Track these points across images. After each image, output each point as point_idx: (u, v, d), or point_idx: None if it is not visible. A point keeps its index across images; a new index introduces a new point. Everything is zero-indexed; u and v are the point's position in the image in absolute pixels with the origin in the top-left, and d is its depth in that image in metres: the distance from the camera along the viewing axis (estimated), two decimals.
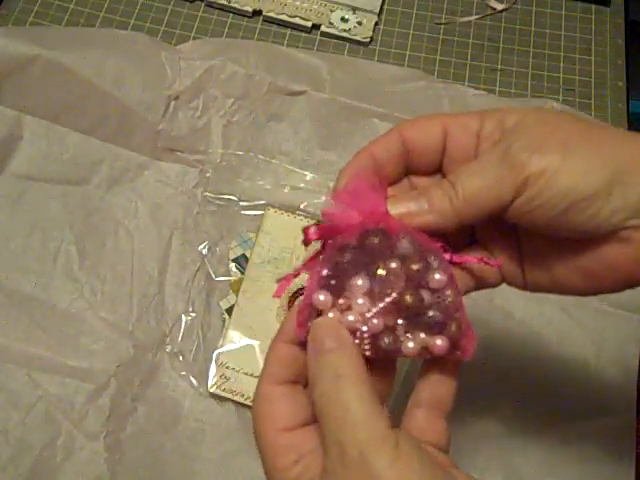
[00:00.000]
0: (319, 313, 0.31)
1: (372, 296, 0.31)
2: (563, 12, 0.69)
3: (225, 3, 0.68)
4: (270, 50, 0.63)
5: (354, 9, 0.68)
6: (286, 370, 0.32)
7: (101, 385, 0.51)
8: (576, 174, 0.30)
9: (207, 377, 0.52)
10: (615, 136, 0.31)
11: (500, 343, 0.53)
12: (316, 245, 0.32)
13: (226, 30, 0.67)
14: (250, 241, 0.57)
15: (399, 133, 0.34)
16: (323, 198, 0.58)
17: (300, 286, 0.52)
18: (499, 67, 0.66)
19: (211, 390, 0.52)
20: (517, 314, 0.54)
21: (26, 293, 0.54)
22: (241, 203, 0.59)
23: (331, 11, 0.67)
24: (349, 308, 0.31)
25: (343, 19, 0.67)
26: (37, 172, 0.57)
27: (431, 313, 0.31)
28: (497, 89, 0.65)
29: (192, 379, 0.52)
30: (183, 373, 0.53)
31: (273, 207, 0.58)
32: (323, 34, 0.67)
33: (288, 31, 0.67)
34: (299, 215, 0.58)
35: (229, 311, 0.55)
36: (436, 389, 0.33)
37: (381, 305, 0.30)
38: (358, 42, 0.67)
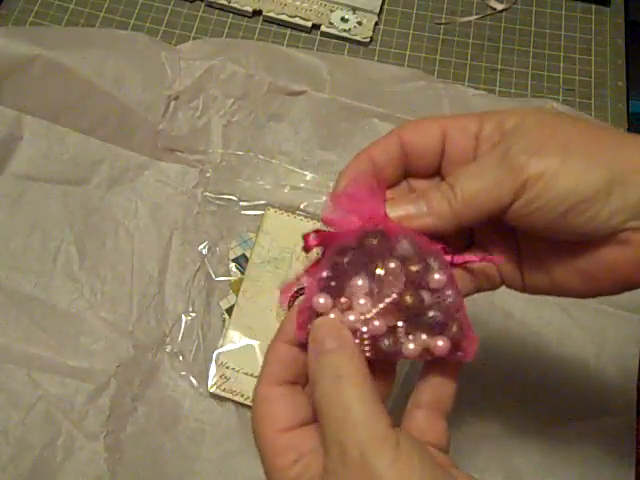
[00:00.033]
0: (319, 314, 0.31)
1: (372, 297, 0.31)
2: (563, 12, 0.69)
3: (225, 3, 0.68)
4: (270, 50, 0.63)
5: (354, 9, 0.68)
6: (285, 371, 0.32)
7: (101, 385, 0.51)
8: (575, 176, 0.30)
9: (207, 377, 0.52)
10: (614, 137, 0.31)
11: (500, 343, 0.53)
12: (317, 251, 0.33)
13: (226, 30, 0.67)
14: (250, 241, 0.57)
15: (398, 136, 0.34)
16: (323, 198, 0.58)
17: (300, 286, 0.52)
18: (499, 67, 0.66)
19: (211, 390, 0.52)
20: (517, 314, 0.54)
21: (26, 293, 0.54)
22: (241, 203, 0.59)
23: (331, 11, 0.67)
24: (350, 308, 0.31)
25: (343, 19, 0.67)
26: (37, 172, 0.57)
27: (431, 313, 0.31)
28: (497, 89, 0.65)
29: (192, 379, 0.52)
30: (183, 373, 0.53)
31: (273, 207, 0.58)
32: (323, 34, 0.67)
33: (288, 31, 0.67)
34: (299, 215, 0.58)
35: (229, 311, 0.55)
36: (436, 390, 0.33)
37: (381, 305, 0.30)
38: (358, 42, 0.67)
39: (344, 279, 0.31)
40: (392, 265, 0.31)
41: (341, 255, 0.31)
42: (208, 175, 0.59)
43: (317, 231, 0.32)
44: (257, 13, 0.68)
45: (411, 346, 0.31)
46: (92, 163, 0.58)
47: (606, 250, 0.31)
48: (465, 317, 0.31)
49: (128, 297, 0.54)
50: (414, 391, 0.33)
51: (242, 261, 0.57)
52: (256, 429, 0.31)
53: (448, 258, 0.32)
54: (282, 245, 0.56)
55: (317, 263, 0.32)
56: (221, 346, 0.53)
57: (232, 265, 0.57)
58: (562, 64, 0.66)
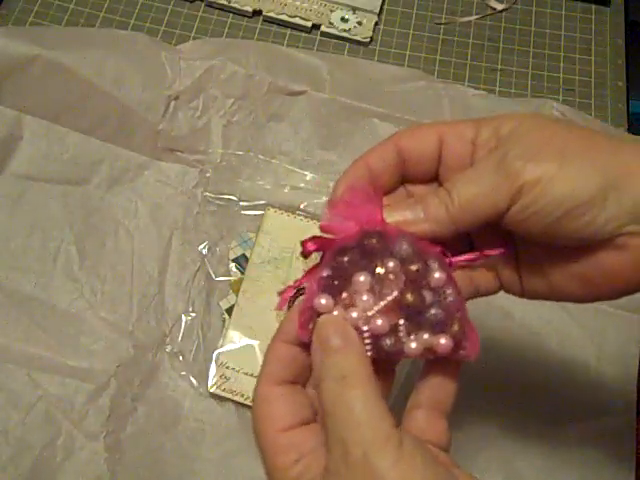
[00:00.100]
0: (321, 314, 0.31)
1: (374, 294, 0.31)
2: (563, 12, 0.69)
3: (225, 3, 0.68)
4: (270, 50, 0.63)
5: (354, 9, 0.68)
6: (285, 370, 0.32)
7: (101, 385, 0.51)
8: (571, 182, 0.30)
9: (207, 377, 0.52)
10: (610, 143, 0.31)
11: (500, 344, 0.53)
12: (316, 256, 0.33)
13: (226, 30, 0.67)
14: (250, 241, 0.57)
15: (394, 143, 0.34)
16: (323, 198, 0.58)
17: (300, 286, 0.52)
18: (499, 67, 0.66)
19: (211, 390, 0.52)
20: (517, 314, 0.54)
21: (26, 293, 0.54)
22: (241, 203, 0.59)
23: (331, 11, 0.67)
24: (352, 305, 0.31)
25: (343, 19, 0.67)
26: (37, 172, 0.57)
27: (433, 311, 0.31)
28: (497, 89, 0.65)
29: (192, 379, 0.52)
30: (183, 373, 0.53)
31: (273, 207, 0.58)
32: (323, 34, 0.67)
33: (288, 31, 0.67)
34: (299, 215, 0.58)
35: (229, 311, 0.55)
36: (437, 390, 0.33)
37: (383, 303, 0.30)
38: (358, 42, 0.67)
39: (345, 278, 0.31)
40: (392, 264, 0.31)
41: (341, 255, 0.31)
42: (208, 175, 0.59)
43: (315, 237, 0.32)
44: (257, 13, 0.68)
45: (413, 345, 0.31)
46: (92, 163, 0.58)
47: (603, 255, 0.31)
48: (466, 316, 0.32)
49: (128, 297, 0.54)
50: (414, 391, 0.33)
51: (242, 261, 0.57)
52: (256, 429, 0.31)
53: (447, 259, 0.32)
54: (282, 245, 0.56)
55: (316, 266, 0.32)
56: (221, 346, 0.53)
57: (232, 265, 0.57)
58: (562, 64, 0.66)
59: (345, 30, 0.67)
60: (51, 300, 0.53)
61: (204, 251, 0.57)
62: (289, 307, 0.51)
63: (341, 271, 0.31)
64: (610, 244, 0.31)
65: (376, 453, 0.27)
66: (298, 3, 0.68)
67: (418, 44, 0.67)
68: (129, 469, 0.49)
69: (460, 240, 0.35)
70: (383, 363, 0.32)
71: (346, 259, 0.31)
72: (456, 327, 0.31)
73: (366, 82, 0.61)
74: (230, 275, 0.56)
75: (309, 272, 0.32)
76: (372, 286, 0.31)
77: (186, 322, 0.54)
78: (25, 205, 0.57)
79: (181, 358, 0.53)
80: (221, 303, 0.55)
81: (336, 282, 0.31)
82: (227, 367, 0.52)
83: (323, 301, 0.31)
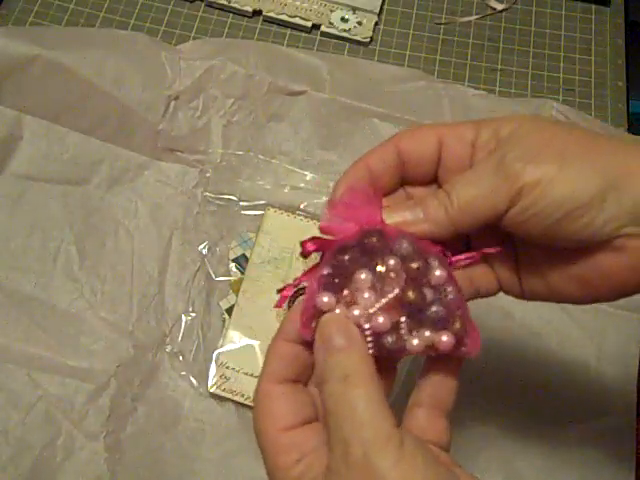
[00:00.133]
0: (323, 313, 0.31)
1: (375, 292, 0.31)
2: (563, 12, 0.69)
3: (225, 3, 0.68)
4: (270, 50, 0.63)
5: (354, 9, 0.68)
6: (286, 369, 0.32)
7: (101, 385, 0.51)
8: (571, 183, 0.30)
9: (207, 377, 0.52)
10: (609, 144, 0.31)
11: (500, 344, 0.53)
12: (315, 256, 0.33)
13: (226, 30, 0.67)
14: (250, 241, 0.57)
15: (394, 144, 0.34)
16: (323, 198, 0.58)
17: (301, 286, 0.52)
18: (499, 67, 0.66)
19: (211, 390, 0.52)
20: (517, 314, 0.54)
21: (26, 293, 0.54)
22: (241, 203, 0.59)
23: (331, 11, 0.67)
24: (353, 302, 0.31)
25: (343, 19, 0.67)
26: (37, 172, 0.57)
27: (434, 308, 0.31)
28: (497, 89, 0.65)
29: (192, 379, 0.52)
30: (183, 373, 0.53)
31: (273, 207, 0.58)
32: (323, 34, 0.67)
33: (288, 31, 0.67)
34: (299, 215, 0.58)
35: (229, 311, 0.55)
36: (437, 388, 0.33)
37: (384, 300, 0.31)
38: (358, 42, 0.67)
39: (346, 276, 0.31)
40: (393, 262, 0.31)
41: (342, 253, 0.31)
42: (208, 175, 0.59)
43: (315, 237, 0.32)
44: (257, 13, 0.68)
45: (415, 342, 0.31)
46: (92, 163, 0.58)
47: (602, 256, 0.31)
48: (467, 313, 0.32)
49: (128, 297, 0.54)
50: (415, 390, 0.33)
51: (242, 261, 0.57)
52: (258, 428, 0.31)
53: (447, 258, 0.33)
54: (282, 245, 0.56)
55: (316, 265, 0.32)
56: (221, 346, 0.53)
57: (232, 265, 0.57)
58: (562, 64, 0.66)
59: (345, 30, 0.67)
60: (51, 300, 0.53)
61: (204, 251, 0.57)
62: (289, 307, 0.51)
63: (342, 269, 0.31)
64: (608, 246, 0.31)
65: (377, 453, 0.27)
66: (298, 3, 0.68)
67: (418, 44, 0.67)
68: (129, 469, 0.49)
69: (459, 241, 0.35)
70: (385, 361, 0.32)
71: (347, 257, 0.31)
72: (457, 324, 0.31)
73: (366, 82, 0.61)
74: (230, 275, 0.56)
75: (309, 271, 0.33)
76: (373, 284, 0.31)
77: (186, 322, 0.54)
78: (25, 205, 0.57)
79: (181, 358, 0.53)
80: (221, 303, 0.55)
81: (337, 280, 0.31)
82: (227, 367, 0.52)
83: (325, 299, 0.31)
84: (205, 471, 0.50)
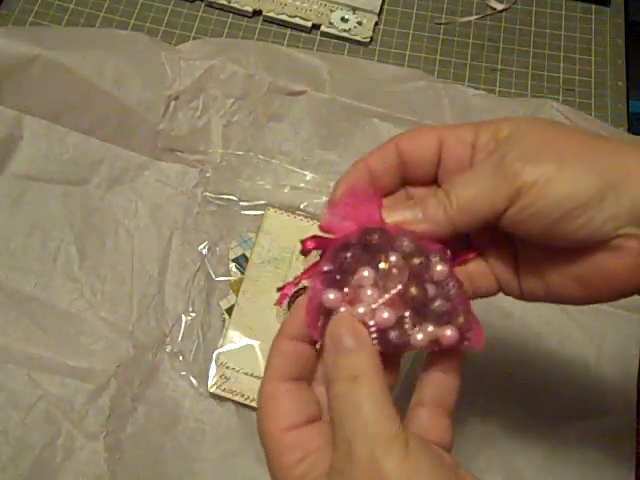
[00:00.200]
0: (328, 310, 0.31)
1: (378, 289, 0.31)
2: (563, 12, 0.69)
3: (225, 3, 0.68)
4: (270, 50, 0.63)
5: (354, 9, 0.68)
6: (290, 367, 0.32)
7: (101, 385, 0.51)
8: (569, 183, 0.30)
9: (207, 377, 0.52)
10: (608, 145, 0.32)
11: (500, 344, 0.53)
12: (316, 253, 0.33)
13: (226, 30, 0.67)
14: (250, 241, 0.57)
15: (395, 145, 0.35)
16: (323, 198, 0.58)
17: (301, 286, 0.52)
18: (499, 67, 0.66)
19: (211, 390, 0.52)
20: (517, 314, 0.54)
21: (26, 293, 0.54)
22: (241, 203, 0.59)
23: (331, 11, 0.67)
24: (354, 300, 0.31)
25: (343, 19, 0.67)
26: (37, 172, 0.57)
27: (437, 303, 0.31)
28: (497, 89, 0.65)
29: (192, 379, 0.52)
30: (183, 373, 0.53)
31: (273, 207, 0.58)
32: (323, 34, 0.67)
33: (288, 31, 0.67)
34: (299, 215, 0.58)
35: (229, 311, 0.55)
36: (439, 387, 0.33)
37: (387, 296, 0.31)
38: (358, 42, 0.67)
39: (348, 273, 0.31)
40: (395, 258, 0.31)
41: (343, 250, 0.32)
42: (208, 175, 0.59)
43: (315, 236, 0.33)
44: (257, 13, 0.68)
45: (419, 336, 0.31)
46: (92, 163, 0.58)
47: (601, 257, 0.31)
48: (469, 308, 0.32)
49: (128, 297, 0.54)
50: (416, 389, 0.33)
51: (242, 261, 0.57)
52: (261, 427, 0.31)
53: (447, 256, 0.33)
54: (282, 245, 0.56)
55: (316, 264, 0.32)
56: (221, 346, 0.53)
57: (232, 265, 0.57)
58: (562, 64, 0.66)
59: (345, 30, 0.67)
60: (51, 300, 0.53)
61: (204, 251, 0.57)
62: (288, 307, 0.51)
63: (343, 266, 0.31)
64: (607, 246, 0.31)
65: (382, 453, 0.27)
66: (298, 3, 0.68)
67: (418, 44, 0.67)
68: (129, 469, 0.49)
69: (458, 240, 0.35)
70: (390, 356, 0.32)
71: (349, 254, 0.31)
72: (461, 319, 0.31)
73: (366, 82, 0.61)
74: (230, 275, 0.56)
75: (309, 269, 0.33)
76: (376, 281, 0.31)
77: (186, 322, 0.54)
78: (25, 205, 0.57)
79: (181, 358, 0.53)
80: (221, 303, 0.55)
81: (338, 277, 0.31)
82: (227, 367, 0.52)
83: (331, 296, 0.31)
84: (205, 471, 0.50)
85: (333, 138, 0.60)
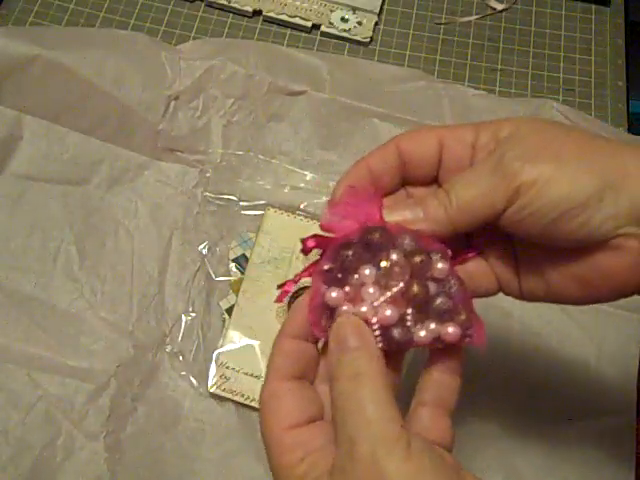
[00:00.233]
0: (331, 308, 0.31)
1: (380, 287, 0.31)
2: (563, 12, 0.69)
3: (225, 3, 0.68)
4: (270, 50, 0.63)
5: (354, 9, 0.68)
6: (292, 366, 0.32)
7: (101, 385, 0.51)
8: (568, 183, 0.30)
9: (207, 377, 0.52)
10: (607, 145, 0.32)
11: (500, 344, 0.53)
12: (316, 252, 0.33)
13: (226, 30, 0.67)
14: (250, 241, 0.57)
15: (396, 145, 0.35)
16: (323, 198, 0.58)
17: (301, 286, 0.52)
18: (499, 67, 0.66)
19: (211, 390, 0.52)
20: (516, 314, 0.54)
21: (26, 293, 0.54)
22: (241, 203, 0.59)
23: (331, 11, 0.67)
24: (357, 297, 0.31)
25: (343, 19, 0.67)
26: (37, 172, 0.57)
27: (439, 300, 0.31)
28: (497, 89, 0.65)
29: (192, 379, 0.52)
30: (183, 373, 0.53)
31: (273, 207, 0.58)
32: (323, 34, 0.67)
33: (288, 31, 0.67)
34: (299, 215, 0.58)
35: (229, 311, 0.55)
36: (440, 387, 0.33)
37: (389, 294, 0.31)
38: (358, 42, 0.67)
39: (349, 271, 0.32)
40: (396, 257, 0.31)
41: (345, 249, 0.32)
42: (208, 175, 0.59)
43: (315, 235, 0.33)
44: (257, 13, 0.68)
45: (422, 333, 0.31)
46: (92, 163, 0.58)
47: (600, 256, 0.32)
48: (471, 305, 0.32)
49: (128, 297, 0.54)
50: (417, 389, 0.33)
51: (242, 261, 0.57)
52: (263, 426, 0.31)
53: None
54: (282, 245, 0.56)
55: (317, 263, 0.33)
56: (221, 346, 0.53)
57: (232, 265, 0.57)
58: (562, 64, 0.66)
59: (345, 30, 0.67)
60: (51, 300, 0.54)
61: (204, 251, 0.57)
62: (288, 306, 0.51)
63: (345, 265, 0.32)
64: (606, 246, 0.31)
65: (384, 453, 0.27)
66: (298, 3, 0.68)
67: (418, 44, 0.67)
68: (129, 469, 0.49)
69: (458, 239, 0.35)
70: (393, 354, 0.32)
71: (350, 253, 0.32)
72: (463, 315, 0.31)
73: (366, 82, 0.61)
74: (230, 275, 0.56)
75: (310, 267, 0.33)
76: (377, 279, 0.31)
77: (186, 322, 0.54)
78: (25, 205, 0.57)
79: (181, 358, 0.53)
80: (221, 303, 0.55)
81: (339, 275, 0.32)
82: (227, 367, 0.52)
83: (334, 294, 0.31)
84: (205, 471, 0.50)
85: (333, 138, 0.60)
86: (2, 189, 0.57)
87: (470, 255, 0.35)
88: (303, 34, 0.67)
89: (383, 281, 0.31)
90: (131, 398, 0.51)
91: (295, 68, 0.61)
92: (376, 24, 0.68)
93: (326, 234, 0.33)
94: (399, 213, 0.33)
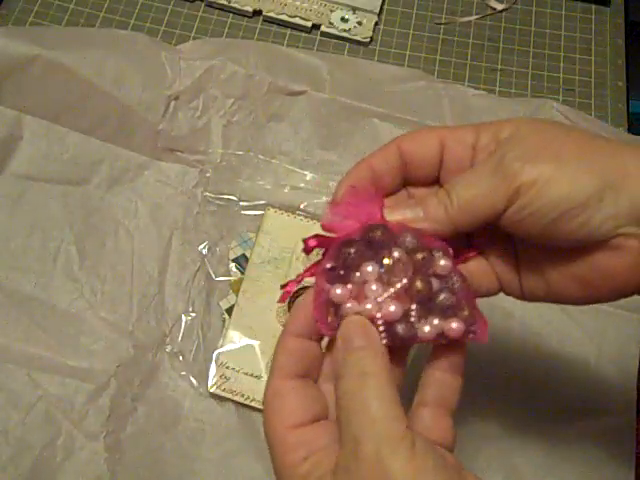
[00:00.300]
0: (335, 305, 0.32)
1: (383, 283, 0.31)
2: (563, 12, 0.69)
3: (225, 3, 0.68)
4: (270, 50, 0.63)
5: (354, 9, 0.68)
6: (296, 364, 0.32)
7: (101, 385, 0.51)
8: (568, 184, 0.30)
9: (207, 377, 0.52)
10: (607, 146, 0.32)
11: (501, 343, 0.53)
12: (317, 252, 0.33)
13: (226, 30, 0.67)
14: (250, 241, 0.57)
15: (397, 146, 0.35)
16: (323, 198, 0.58)
17: (301, 285, 0.52)
18: (499, 67, 0.66)
19: (211, 390, 0.52)
20: (517, 314, 0.54)
21: (26, 293, 0.54)
22: (241, 203, 0.59)
23: (331, 11, 0.67)
24: (360, 294, 0.31)
25: (343, 19, 0.67)
26: (37, 172, 0.57)
27: (442, 296, 0.32)
28: (497, 89, 0.65)
29: (192, 379, 0.52)
30: (183, 373, 0.53)
31: (273, 207, 0.58)
32: (323, 34, 0.67)
33: (288, 31, 0.67)
34: (299, 215, 0.58)
35: (229, 311, 0.55)
36: (442, 387, 0.33)
37: (393, 290, 0.31)
38: (358, 42, 0.67)
39: (351, 269, 0.32)
40: (398, 254, 0.32)
41: (347, 247, 0.32)
42: (208, 175, 0.59)
43: (317, 235, 0.33)
44: (257, 13, 0.68)
45: (426, 329, 0.31)
46: (92, 163, 0.58)
47: (600, 256, 0.32)
48: (474, 301, 0.32)
49: (128, 297, 0.54)
50: (419, 389, 0.33)
51: (242, 261, 0.57)
52: (267, 425, 0.31)
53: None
54: (282, 245, 0.56)
55: (319, 262, 0.33)
56: (221, 346, 0.53)
57: (232, 265, 0.57)
58: (562, 64, 0.66)
59: (345, 30, 0.67)
60: (51, 300, 0.54)
61: (204, 251, 0.57)
62: (288, 307, 0.51)
63: (347, 262, 0.32)
64: (607, 246, 0.31)
65: (389, 452, 0.27)
66: (298, 3, 0.68)
67: (418, 44, 0.67)
68: (129, 469, 0.49)
69: (458, 239, 0.35)
70: (397, 350, 0.32)
71: (352, 250, 0.32)
72: (466, 311, 0.31)
73: (366, 82, 0.61)
74: (230, 275, 0.56)
75: (311, 267, 0.33)
76: (380, 276, 0.31)
77: (186, 322, 0.54)
78: (25, 205, 0.57)
79: (181, 358, 0.53)
80: (221, 303, 0.55)
81: (342, 272, 0.32)
82: (227, 367, 0.52)
83: (339, 291, 0.31)
84: (205, 471, 0.50)
85: (333, 138, 0.60)
86: (2, 189, 0.57)
87: (471, 255, 0.35)
88: (303, 34, 0.67)
89: (386, 278, 0.31)
90: (131, 398, 0.51)
91: (295, 68, 0.61)
92: (376, 24, 0.68)
93: (327, 234, 0.33)
94: (400, 212, 0.33)
